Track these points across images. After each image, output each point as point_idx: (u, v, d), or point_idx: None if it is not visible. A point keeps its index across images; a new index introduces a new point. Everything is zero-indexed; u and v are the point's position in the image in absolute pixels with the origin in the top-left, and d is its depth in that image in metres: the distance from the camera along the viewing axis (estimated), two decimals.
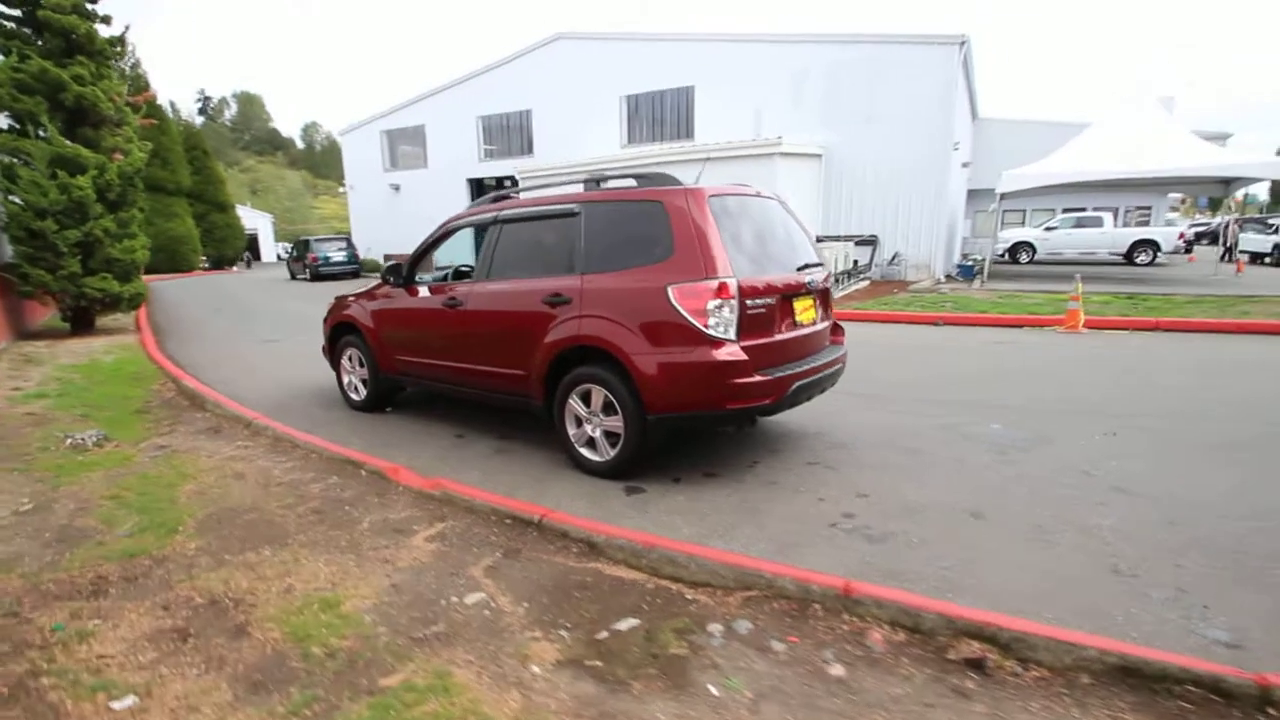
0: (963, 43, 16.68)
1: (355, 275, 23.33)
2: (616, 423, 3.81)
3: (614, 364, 3.77)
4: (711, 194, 3.76)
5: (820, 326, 4.27)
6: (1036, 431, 4.63)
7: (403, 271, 5.10)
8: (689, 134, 19.94)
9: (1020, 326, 9.30)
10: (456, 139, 23.52)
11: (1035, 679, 2.06)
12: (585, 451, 4.02)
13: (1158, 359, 6.97)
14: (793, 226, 4.38)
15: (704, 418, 3.67)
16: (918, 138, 16.81)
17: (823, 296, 4.34)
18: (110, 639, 2.25)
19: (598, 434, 3.94)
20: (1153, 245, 21.52)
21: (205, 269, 29.04)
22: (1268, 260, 21.54)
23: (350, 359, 5.67)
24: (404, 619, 2.40)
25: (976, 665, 2.11)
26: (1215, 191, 20.60)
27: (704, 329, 3.47)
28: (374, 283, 5.73)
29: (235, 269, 31.47)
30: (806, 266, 4.17)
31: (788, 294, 3.89)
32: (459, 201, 24.05)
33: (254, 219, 39.30)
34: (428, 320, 4.87)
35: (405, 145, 25.41)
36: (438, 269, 5.60)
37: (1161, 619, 2.41)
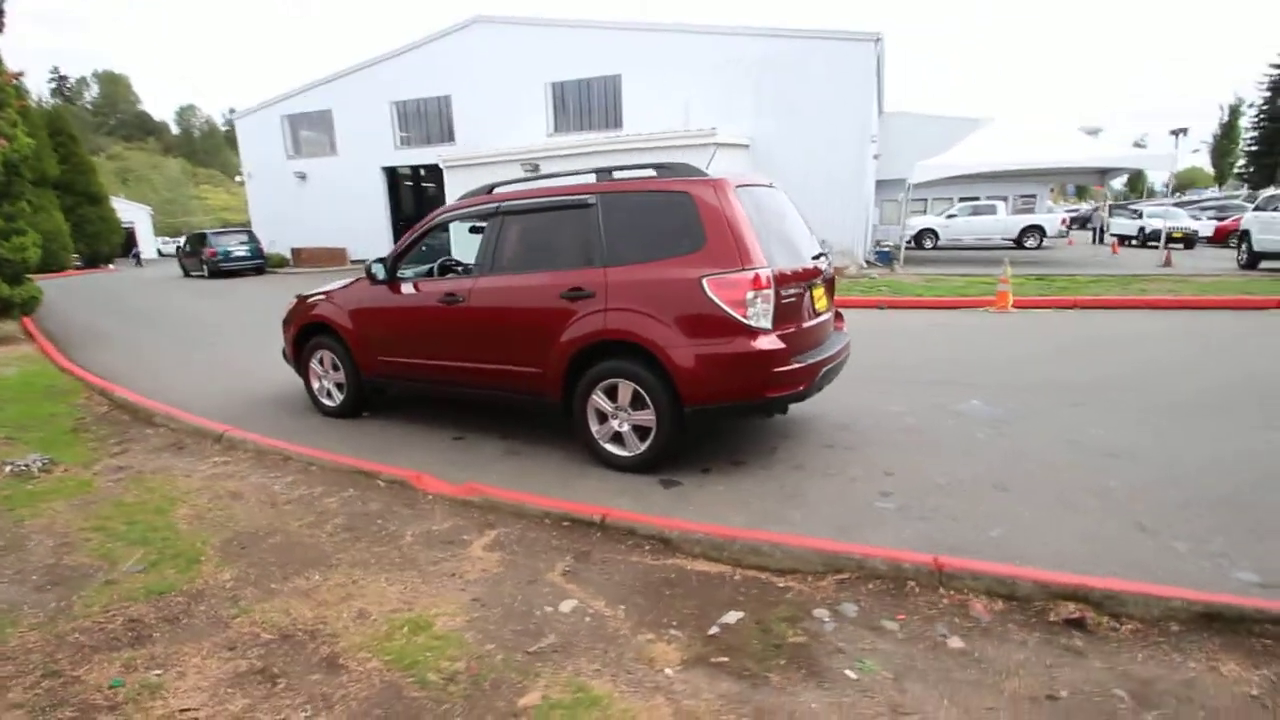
0: (878, 39, 17.53)
1: (259, 271, 21.67)
2: (647, 416, 3.77)
3: (644, 358, 3.71)
4: (737, 184, 3.77)
5: (830, 314, 4.39)
6: (1013, 406, 4.98)
7: (385, 267, 4.77)
8: (618, 123, 19.85)
9: (955, 308, 9.96)
10: (368, 125, 22.24)
11: (1131, 631, 2.23)
12: (610, 447, 3.94)
13: (1088, 334, 7.67)
14: (796, 216, 4.46)
15: (742, 407, 3.69)
16: (839, 129, 17.52)
17: (829, 285, 4.46)
18: (184, 689, 1.98)
19: (625, 429, 3.87)
20: (1040, 230, 23.62)
21: (78, 268, 26.02)
22: (1134, 242, 24.13)
23: (321, 362, 5.27)
24: (507, 634, 2.27)
25: (1078, 624, 2.26)
26: (1092, 180, 22.87)
27: (742, 319, 3.48)
28: (346, 280, 5.34)
29: (113, 267, 28.38)
30: (819, 255, 4.27)
31: (807, 282, 3.97)
32: (374, 191, 22.80)
33: (130, 211, 35.52)
34: (421, 319, 4.59)
35: (310, 131, 23.77)
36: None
37: (1198, 567, 2.67)
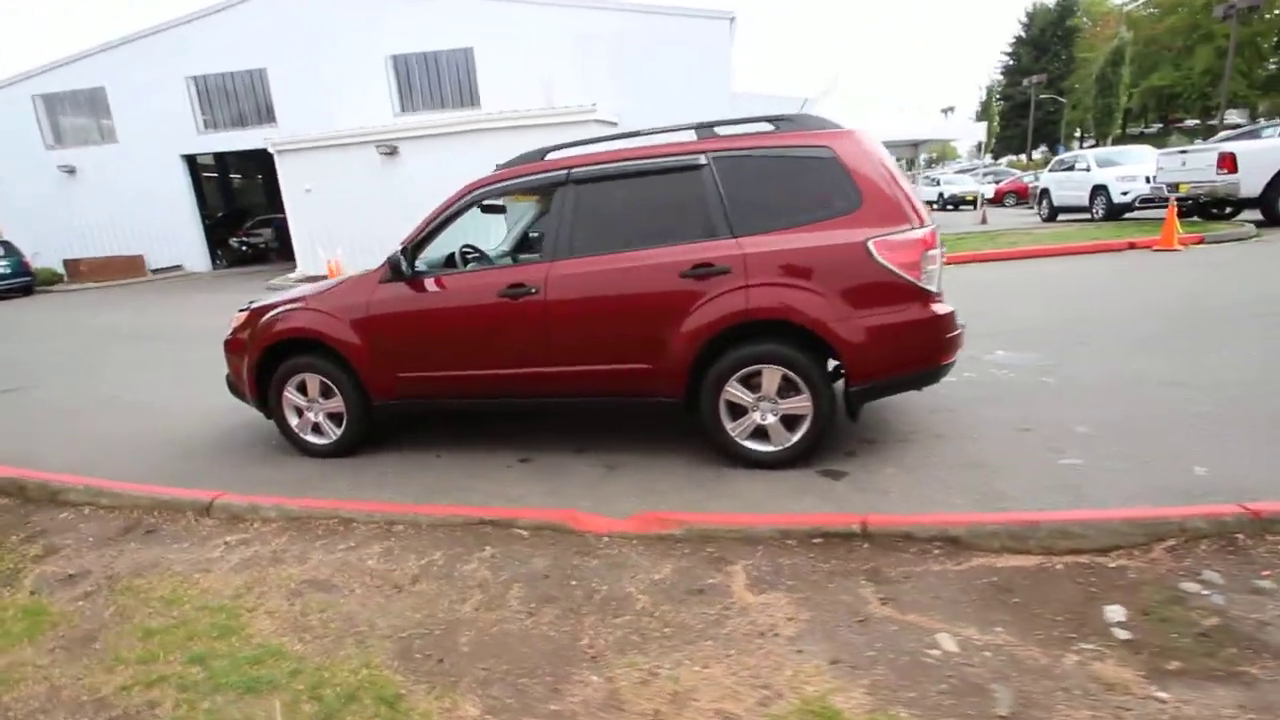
0: (732, 19, 18.00)
1: (27, 291, 17.17)
2: (799, 404, 3.32)
3: (799, 336, 3.26)
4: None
5: None
6: (1036, 352, 5.22)
7: (407, 260, 3.74)
8: (473, 101, 18.45)
9: None
10: (158, 105, 18.44)
11: None
12: (752, 444, 3.44)
13: (1014, 282, 8.45)
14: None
15: (914, 380, 3.37)
16: (701, 109, 17.74)
17: None
18: None
19: (770, 420, 3.39)
20: None
21: None
22: (935, 205, 27.72)
23: (303, 390, 4.06)
24: (939, 702, 1.75)
25: None
26: (907, 152, 25.76)
27: (917, 283, 3.16)
28: (330, 281, 4.17)
29: None
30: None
31: None
32: (173, 185, 18.98)
33: None
34: (471, 320, 3.67)
35: (76, 115, 19.16)
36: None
37: None
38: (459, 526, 2.88)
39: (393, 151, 15.25)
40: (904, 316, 3.18)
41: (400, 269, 3.69)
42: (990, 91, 44.92)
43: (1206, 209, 12.07)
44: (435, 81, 18.43)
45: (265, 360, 4.07)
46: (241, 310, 4.29)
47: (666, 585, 2.39)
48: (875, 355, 3.20)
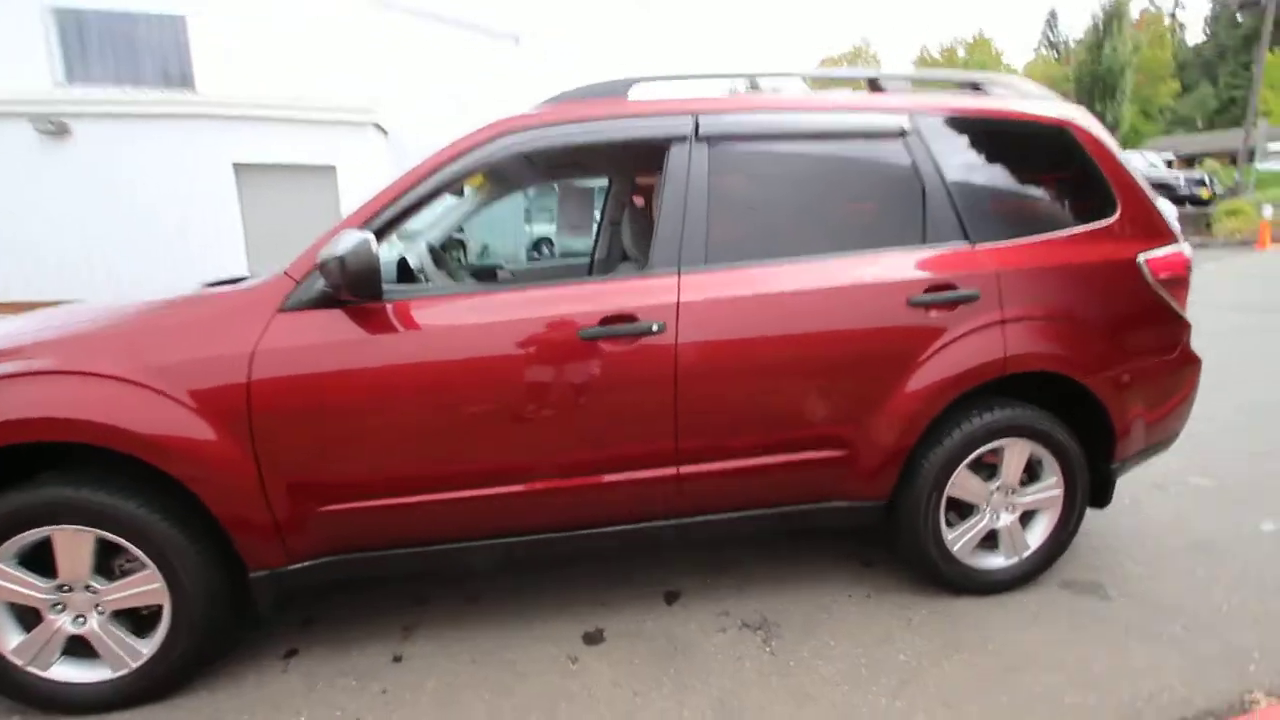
0: (517, 39, 16.98)
1: None
2: (1045, 493, 2.24)
3: (1055, 394, 2.18)
4: None
5: None
6: None
7: (370, 271, 1.72)
8: (185, 83, 14.18)
9: None
10: None
11: None
12: (975, 561, 2.24)
13: None
14: None
15: (1160, 446, 2.47)
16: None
17: None
18: None
19: (1006, 522, 2.24)
20: None
21: None
22: None
23: (39, 563, 1.70)
24: None
25: None
26: None
27: (1183, 314, 2.34)
28: (109, 306, 1.86)
29: None
30: None
31: None
32: None
33: None
34: (519, 385, 1.83)
35: None
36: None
37: None
38: None
39: (61, 130, 10.73)
40: (1176, 361, 2.32)
41: (366, 282, 1.67)
42: None
43: None
44: (126, 51, 13.69)
45: None
46: None
47: None
48: (1144, 415, 2.28)
